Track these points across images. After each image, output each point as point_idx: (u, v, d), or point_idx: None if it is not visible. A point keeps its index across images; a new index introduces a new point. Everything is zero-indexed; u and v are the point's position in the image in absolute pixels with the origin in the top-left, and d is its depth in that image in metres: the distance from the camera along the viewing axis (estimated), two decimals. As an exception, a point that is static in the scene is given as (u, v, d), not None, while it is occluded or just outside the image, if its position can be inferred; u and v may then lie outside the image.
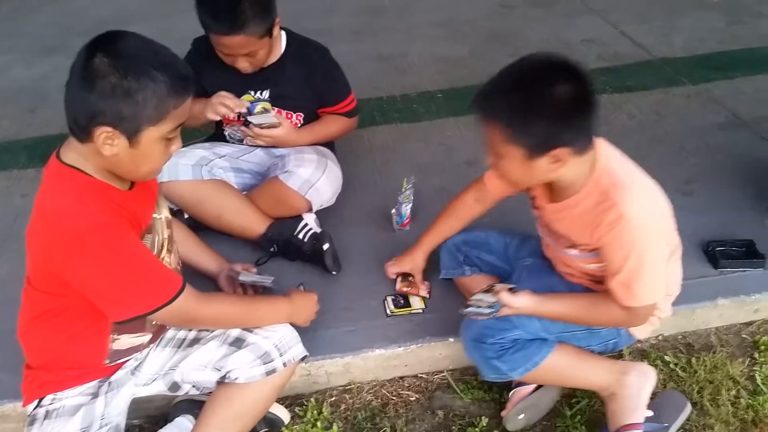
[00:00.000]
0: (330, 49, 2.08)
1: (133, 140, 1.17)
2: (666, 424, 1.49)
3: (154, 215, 1.36)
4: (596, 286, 1.47)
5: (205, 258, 1.78)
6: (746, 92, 2.79)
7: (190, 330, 1.50)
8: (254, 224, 1.97)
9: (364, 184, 2.33)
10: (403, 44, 3.50)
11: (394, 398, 1.69)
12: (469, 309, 1.44)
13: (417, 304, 1.79)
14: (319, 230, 1.97)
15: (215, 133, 2.19)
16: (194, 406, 1.53)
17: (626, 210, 1.26)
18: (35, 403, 1.37)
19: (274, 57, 1.99)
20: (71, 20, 3.99)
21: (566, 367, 1.49)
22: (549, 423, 1.60)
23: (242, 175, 2.09)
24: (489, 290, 1.43)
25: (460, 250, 1.74)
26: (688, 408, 1.54)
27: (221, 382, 1.45)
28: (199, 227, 1.97)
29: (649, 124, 2.58)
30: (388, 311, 1.78)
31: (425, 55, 3.37)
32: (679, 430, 1.53)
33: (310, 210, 2.01)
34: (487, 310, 1.40)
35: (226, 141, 2.13)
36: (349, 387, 1.72)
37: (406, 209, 2.04)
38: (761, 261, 1.85)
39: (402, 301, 1.80)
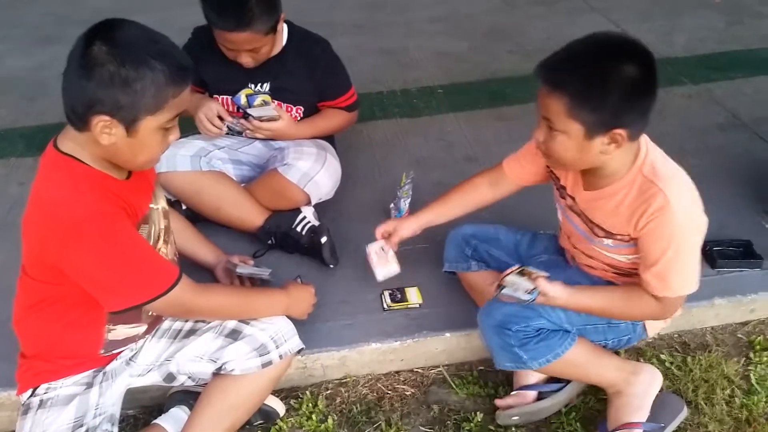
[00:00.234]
0: (330, 43, 2.07)
1: (131, 129, 1.17)
2: (662, 425, 1.49)
3: (151, 205, 1.35)
4: (619, 278, 1.46)
5: (202, 249, 1.78)
6: (746, 93, 2.80)
7: (186, 321, 1.50)
8: (252, 216, 1.96)
9: (363, 178, 2.33)
10: (404, 39, 3.50)
11: (389, 392, 1.69)
12: (505, 291, 1.37)
13: (414, 299, 1.79)
14: (317, 223, 1.96)
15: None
16: (189, 397, 1.53)
17: (672, 199, 1.25)
18: (29, 392, 1.36)
19: (276, 50, 1.98)
20: (70, 10, 3.97)
21: (583, 361, 1.48)
22: (543, 420, 1.60)
23: (241, 167, 2.09)
24: (522, 273, 1.38)
25: (468, 243, 1.71)
26: (685, 411, 1.54)
27: (217, 373, 1.44)
28: (197, 218, 1.96)
29: (650, 123, 2.58)
30: (385, 305, 1.78)
31: (426, 50, 3.37)
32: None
33: (308, 203, 2.00)
34: (525, 296, 1.36)
35: (226, 133, 2.13)
36: (344, 380, 1.72)
37: (405, 204, 2.03)
38: (758, 261, 1.86)
39: (399, 296, 1.80)
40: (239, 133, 2.10)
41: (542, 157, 1.44)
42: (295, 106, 2.06)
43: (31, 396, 1.36)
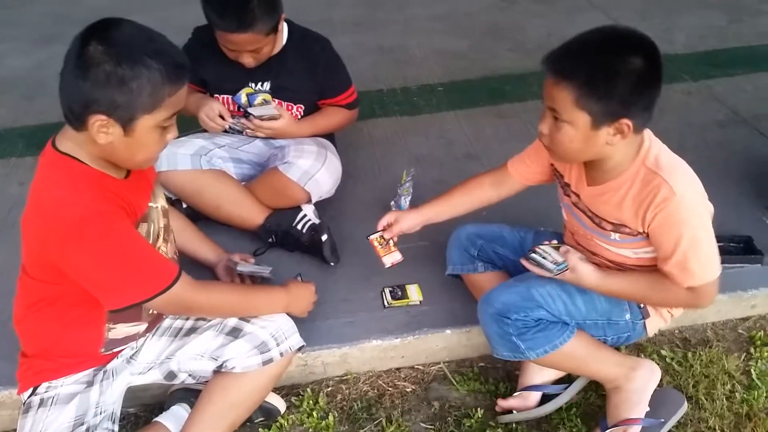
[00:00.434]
0: (330, 41, 2.07)
1: (128, 128, 1.16)
2: (662, 420, 1.49)
3: (150, 204, 1.35)
4: None
5: (203, 248, 1.78)
6: (746, 90, 2.80)
7: (187, 319, 1.50)
8: (253, 215, 1.96)
9: (363, 176, 2.33)
10: (403, 37, 3.50)
11: (390, 389, 1.70)
12: (533, 255, 1.40)
13: (414, 296, 1.79)
14: (317, 221, 1.96)
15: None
16: (190, 395, 1.53)
17: (677, 188, 1.25)
18: (30, 390, 1.37)
19: (276, 49, 1.98)
20: (68, 9, 3.96)
21: (582, 355, 1.48)
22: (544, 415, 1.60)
23: (241, 165, 2.09)
24: (558, 248, 1.40)
25: (474, 244, 1.69)
26: (685, 406, 1.54)
27: (218, 371, 1.45)
28: (198, 217, 1.97)
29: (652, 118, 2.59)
30: (386, 303, 1.78)
31: (425, 47, 3.37)
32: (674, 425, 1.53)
33: (309, 201, 2.00)
34: (551, 266, 1.36)
35: (226, 131, 2.13)
36: (345, 377, 1.72)
37: (405, 201, 2.03)
38: (759, 257, 1.86)
39: (399, 293, 1.80)
40: (240, 132, 2.10)
41: (547, 155, 1.45)
42: (295, 104, 2.06)
43: (31, 395, 1.36)
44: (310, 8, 3.42)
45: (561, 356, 1.44)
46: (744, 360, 1.73)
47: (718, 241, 1.84)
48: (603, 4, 3.75)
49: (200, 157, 1.97)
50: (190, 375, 1.48)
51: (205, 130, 2.12)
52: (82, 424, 1.35)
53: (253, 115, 1.99)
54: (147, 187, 1.37)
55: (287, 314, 1.52)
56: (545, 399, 1.59)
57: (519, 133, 2.44)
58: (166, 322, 1.51)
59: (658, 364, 1.58)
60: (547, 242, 1.44)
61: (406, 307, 1.77)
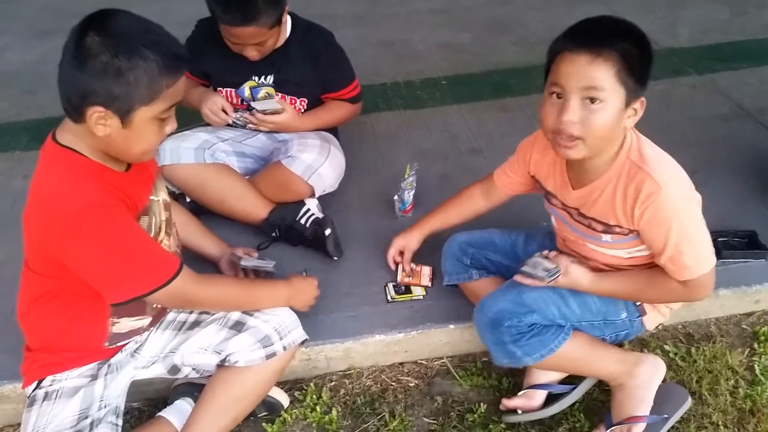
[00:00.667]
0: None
1: (126, 120, 1.16)
2: (666, 416, 1.49)
3: (151, 197, 1.35)
4: None
5: (206, 242, 1.78)
6: (751, 83, 2.78)
7: (191, 313, 1.50)
8: (256, 209, 1.96)
9: (366, 170, 2.32)
10: (406, 30, 3.49)
11: (393, 384, 1.70)
12: (525, 269, 1.40)
13: (418, 290, 1.79)
14: (321, 216, 1.96)
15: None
16: (194, 389, 1.54)
17: (662, 182, 1.24)
18: (34, 384, 1.37)
19: (280, 42, 1.97)
20: (68, 2, 3.93)
21: (581, 355, 1.47)
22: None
23: (245, 159, 2.08)
24: (546, 257, 1.41)
25: (465, 253, 1.69)
26: (689, 402, 1.53)
27: (221, 365, 1.45)
28: (201, 211, 1.96)
29: (654, 113, 2.56)
30: (389, 297, 1.78)
31: (428, 41, 3.36)
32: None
33: (312, 195, 2.00)
34: (542, 274, 1.36)
35: (229, 125, 2.12)
36: (348, 372, 1.72)
37: (409, 196, 2.03)
38: (763, 252, 1.85)
39: (403, 288, 1.80)
40: (243, 126, 2.10)
41: (525, 166, 1.44)
42: (298, 98, 2.05)
43: (36, 388, 1.36)
44: (313, 1, 3.39)
45: (559, 359, 1.44)
46: (747, 355, 1.73)
47: (722, 236, 1.87)
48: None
49: (204, 151, 1.96)
50: (193, 369, 1.48)
51: (208, 124, 2.11)
52: (87, 417, 1.35)
53: (257, 109, 1.98)
54: (148, 180, 1.36)
55: (290, 308, 1.52)
56: (550, 397, 1.59)
57: (523, 127, 2.43)
58: (170, 316, 1.51)
59: (662, 360, 1.57)
60: (537, 254, 1.44)
61: (410, 301, 1.77)
